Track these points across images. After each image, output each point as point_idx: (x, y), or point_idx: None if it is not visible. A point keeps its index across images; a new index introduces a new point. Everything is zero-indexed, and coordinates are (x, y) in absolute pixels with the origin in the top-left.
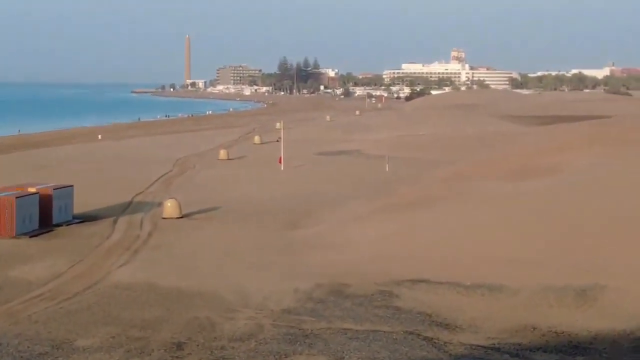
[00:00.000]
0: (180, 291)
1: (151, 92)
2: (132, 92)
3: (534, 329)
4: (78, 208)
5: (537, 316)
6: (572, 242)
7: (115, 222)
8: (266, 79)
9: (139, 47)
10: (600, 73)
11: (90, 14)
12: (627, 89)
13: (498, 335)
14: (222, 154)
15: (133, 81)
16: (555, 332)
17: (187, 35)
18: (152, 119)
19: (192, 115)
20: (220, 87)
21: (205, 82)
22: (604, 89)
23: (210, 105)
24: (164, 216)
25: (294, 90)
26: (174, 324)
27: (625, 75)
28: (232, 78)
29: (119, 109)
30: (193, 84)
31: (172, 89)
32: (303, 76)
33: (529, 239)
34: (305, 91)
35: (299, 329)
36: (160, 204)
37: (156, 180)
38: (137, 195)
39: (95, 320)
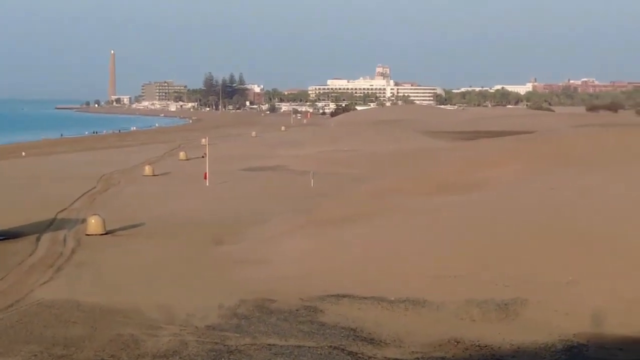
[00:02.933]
0: (103, 308)
1: (76, 108)
2: (56, 108)
3: (458, 342)
4: None
5: (461, 330)
6: (495, 257)
7: (38, 239)
8: (192, 95)
9: (63, 62)
10: (522, 89)
11: (10, 27)
12: (549, 104)
13: (422, 350)
14: (147, 170)
15: (57, 97)
16: (479, 346)
17: (112, 51)
18: (77, 135)
19: (119, 132)
20: (145, 103)
21: (130, 98)
22: (527, 105)
23: (135, 121)
24: (87, 233)
25: (220, 106)
26: (97, 342)
27: (547, 91)
28: (157, 94)
29: (43, 125)
30: (118, 100)
31: (96, 105)
32: (229, 92)
33: (453, 254)
34: (231, 107)
35: (224, 345)
36: (83, 221)
37: (80, 197)
38: (60, 212)
39: (18, 338)
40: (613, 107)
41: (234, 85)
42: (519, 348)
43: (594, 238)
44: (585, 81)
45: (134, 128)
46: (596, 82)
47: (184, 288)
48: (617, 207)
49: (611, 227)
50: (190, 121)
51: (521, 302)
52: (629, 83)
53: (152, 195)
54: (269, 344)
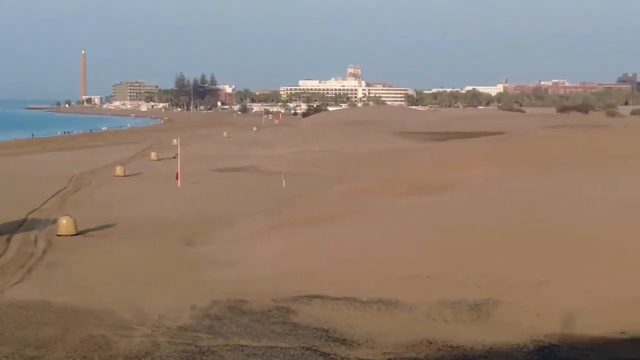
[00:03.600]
0: (75, 309)
1: (46, 108)
2: (27, 107)
3: (430, 343)
4: None
5: (433, 331)
6: (467, 257)
7: (8, 239)
8: (163, 95)
9: (33, 62)
10: (493, 90)
11: None
12: (520, 105)
13: (394, 350)
14: (119, 170)
15: (27, 97)
16: (451, 346)
17: (83, 51)
18: (49, 135)
19: (91, 132)
20: (116, 103)
21: (101, 98)
22: (498, 106)
23: (106, 122)
24: (58, 233)
25: (191, 107)
26: (69, 343)
27: (518, 92)
28: (128, 94)
29: (13, 126)
30: (89, 100)
31: (67, 105)
32: (200, 92)
33: (425, 255)
34: (202, 107)
35: (196, 346)
36: (55, 221)
37: (51, 197)
38: (31, 212)
39: None
40: (583, 108)
41: (206, 85)
42: (491, 348)
43: (566, 239)
44: (556, 82)
45: (105, 128)
46: (567, 84)
47: (156, 289)
48: (588, 208)
49: (583, 228)
50: (162, 121)
51: (493, 302)
52: (599, 84)
53: (124, 196)
54: (241, 345)
